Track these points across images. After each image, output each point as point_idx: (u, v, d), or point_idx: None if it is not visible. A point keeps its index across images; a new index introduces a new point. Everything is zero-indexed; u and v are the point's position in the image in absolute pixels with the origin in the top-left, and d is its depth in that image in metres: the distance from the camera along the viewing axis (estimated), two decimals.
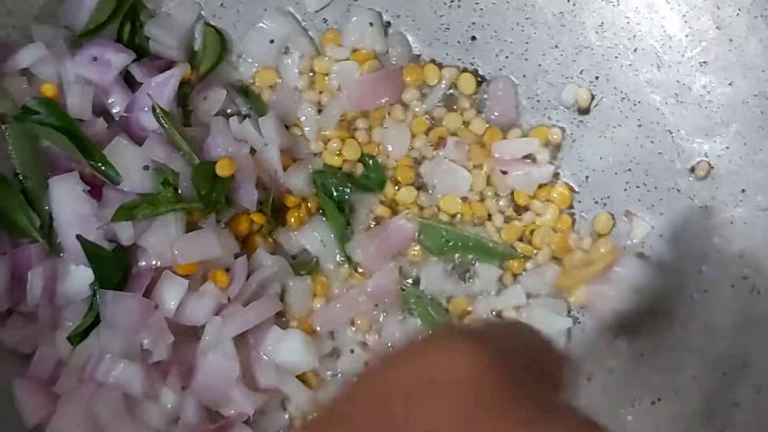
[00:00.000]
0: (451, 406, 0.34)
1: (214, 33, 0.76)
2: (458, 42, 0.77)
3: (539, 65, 0.76)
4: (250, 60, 0.77)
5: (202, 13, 0.77)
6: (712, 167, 0.73)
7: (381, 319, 0.73)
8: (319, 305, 0.73)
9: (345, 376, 0.72)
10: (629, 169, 0.74)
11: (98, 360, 0.65)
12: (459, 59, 0.77)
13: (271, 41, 0.76)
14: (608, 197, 0.74)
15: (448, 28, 0.77)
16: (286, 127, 0.75)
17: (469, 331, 0.42)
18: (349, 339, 0.74)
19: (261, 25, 0.77)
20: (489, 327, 0.48)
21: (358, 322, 0.73)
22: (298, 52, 0.77)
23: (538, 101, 0.76)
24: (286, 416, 0.71)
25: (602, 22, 0.76)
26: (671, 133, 0.74)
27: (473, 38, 0.77)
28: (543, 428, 0.34)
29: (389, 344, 0.73)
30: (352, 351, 0.73)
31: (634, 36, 0.75)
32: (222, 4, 0.77)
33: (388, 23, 0.77)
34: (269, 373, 0.70)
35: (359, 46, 0.76)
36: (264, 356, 0.70)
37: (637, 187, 0.74)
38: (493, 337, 0.40)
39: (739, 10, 0.72)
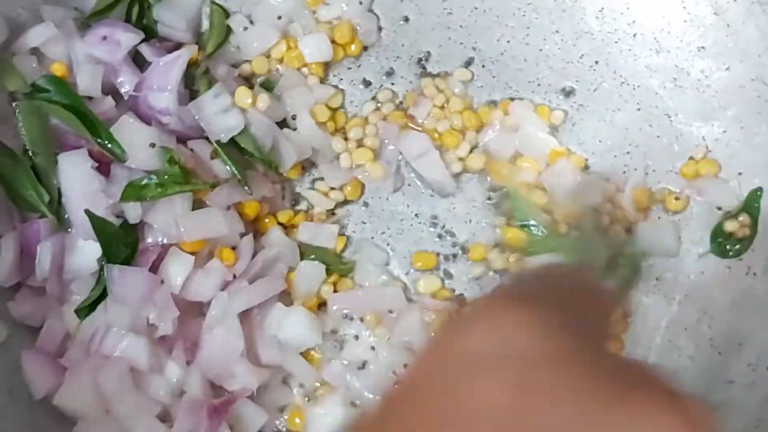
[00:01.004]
0: (506, 384, 0.33)
1: (221, 11, 0.77)
2: (461, 27, 0.78)
3: (540, 50, 0.78)
4: (256, 37, 0.77)
5: None
6: (710, 150, 0.74)
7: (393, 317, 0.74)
8: (327, 289, 0.74)
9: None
10: (628, 152, 0.75)
11: (105, 333, 0.66)
12: (461, 43, 0.78)
13: (279, 17, 0.77)
14: (607, 179, 0.75)
15: (451, 13, 0.78)
16: None
17: (516, 293, 0.40)
18: (356, 326, 0.74)
19: (268, 1, 0.77)
20: (535, 279, 0.45)
21: (368, 317, 0.74)
22: (300, 25, 0.78)
23: (538, 85, 0.77)
24: (289, 392, 0.73)
25: (602, 8, 0.77)
26: (669, 117, 0.75)
27: (475, 22, 0.78)
28: (610, 409, 0.32)
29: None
30: (356, 337, 0.74)
31: (634, 21, 0.76)
32: None
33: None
34: (272, 350, 0.71)
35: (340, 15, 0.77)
36: (268, 333, 0.71)
37: (635, 169, 0.75)
38: (540, 294, 0.39)
39: None
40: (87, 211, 0.66)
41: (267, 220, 0.74)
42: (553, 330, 0.35)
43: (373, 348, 0.73)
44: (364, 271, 0.75)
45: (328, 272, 0.74)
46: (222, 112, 0.70)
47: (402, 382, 0.38)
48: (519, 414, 0.32)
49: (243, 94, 0.72)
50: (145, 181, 0.67)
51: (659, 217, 0.74)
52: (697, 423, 0.33)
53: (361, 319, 0.73)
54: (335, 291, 0.74)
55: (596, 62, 0.77)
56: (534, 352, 0.34)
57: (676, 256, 0.73)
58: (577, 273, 0.46)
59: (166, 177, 0.67)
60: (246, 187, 0.70)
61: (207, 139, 0.72)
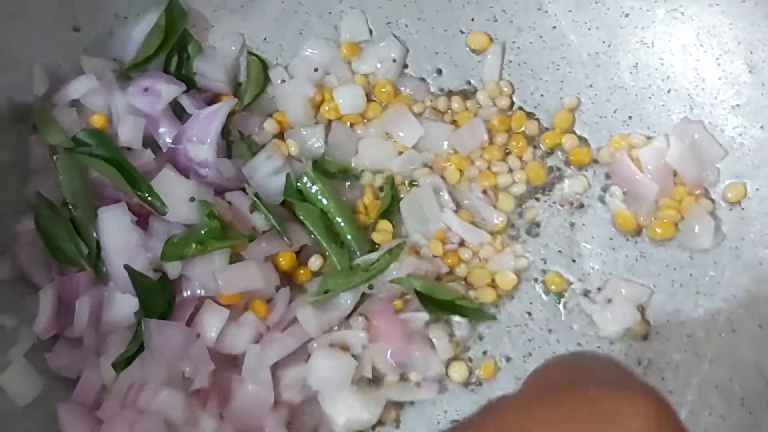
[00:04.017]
0: None
1: (258, 62, 0.77)
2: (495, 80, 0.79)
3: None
4: (293, 90, 0.77)
5: (247, 43, 0.79)
6: (743, 209, 0.74)
7: None
8: None
9: None
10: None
11: (141, 387, 0.66)
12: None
13: (315, 69, 0.78)
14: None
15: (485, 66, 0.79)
16: None
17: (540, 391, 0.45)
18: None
19: (305, 53, 0.78)
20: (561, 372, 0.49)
21: None
22: (336, 77, 0.78)
23: None
24: None
25: (636, 63, 0.77)
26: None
27: (509, 75, 0.79)
28: None
29: None
30: None
31: (668, 77, 0.77)
32: (265, 39, 0.79)
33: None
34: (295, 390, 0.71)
35: (373, 72, 0.78)
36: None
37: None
38: (567, 391, 0.43)
39: None
40: (126, 267, 0.66)
41: (302, 271, 0.74)
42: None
43: None
44: None
45: None
46: (274, 174, 0.72)
47: None
48: None
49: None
50: (177, 239, 0.67)
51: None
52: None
53: None
54: None
55: (630, 117, 0.77)
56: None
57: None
58: (607, 361, 0.50)
59: (204, 232, 0.67)
60: (285, 239, 0.71)
61: (243, 190, 0.72)
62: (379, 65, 0.77)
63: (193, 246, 0.66)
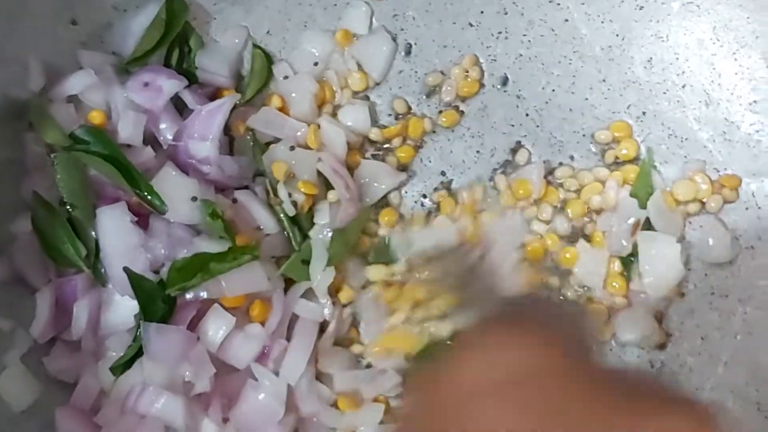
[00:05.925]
0: (518, 405, 0.35)
1: (262, 56, 0.75)
2: (504, 74, 0.76)
3: (586, 99, 0.76)
4: (295, 87, 0.75)
5: (251, 34, 0.77)
6: (759, 207, 0.72)
7: None
8: None
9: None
10: None
11: (141, 391, 0.65)
12: (505, 91, 0.76)
13: (315, 64, 0.76)
14: None
15: (495, 60, 0.77)
16: None
17: (507, 318, 0.43)
18: None
19: (304, 47, 0.76)
20: (526, 309, 0.48)
21: None
22: (334, 70, 0.76)
23: (583, 135, 0.75)
24: None
25: (651, 58, 0.75)
26: (718, 171, 0.74)
27: (520, 70, 0.76)
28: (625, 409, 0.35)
29: None
30: None
31: (683, 72, 0.75)
32: (268, 31, 0.77)
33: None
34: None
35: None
36: None
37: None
38: (530, 317, 0.42)
39: None
40: (126, 269, 0.64)
41: None
42: (550, 348, 0.37)
43: None
44: None
45: None
46: None
47: (409, 415, 0.40)
48: None
49: None
50: (181, 265, 0.65)
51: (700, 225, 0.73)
52: (703, 424, 0.36)
53: None
54: None
55: (643, 113, 0.75)
56: (536, 371, 0.36)
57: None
58: (548, 298, 0.52)
59: (209, 257, 0.65)
60: (294, 243, 0.69)
61: (247, 187, 0.70)
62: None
63: (198, 275, 0.64)
